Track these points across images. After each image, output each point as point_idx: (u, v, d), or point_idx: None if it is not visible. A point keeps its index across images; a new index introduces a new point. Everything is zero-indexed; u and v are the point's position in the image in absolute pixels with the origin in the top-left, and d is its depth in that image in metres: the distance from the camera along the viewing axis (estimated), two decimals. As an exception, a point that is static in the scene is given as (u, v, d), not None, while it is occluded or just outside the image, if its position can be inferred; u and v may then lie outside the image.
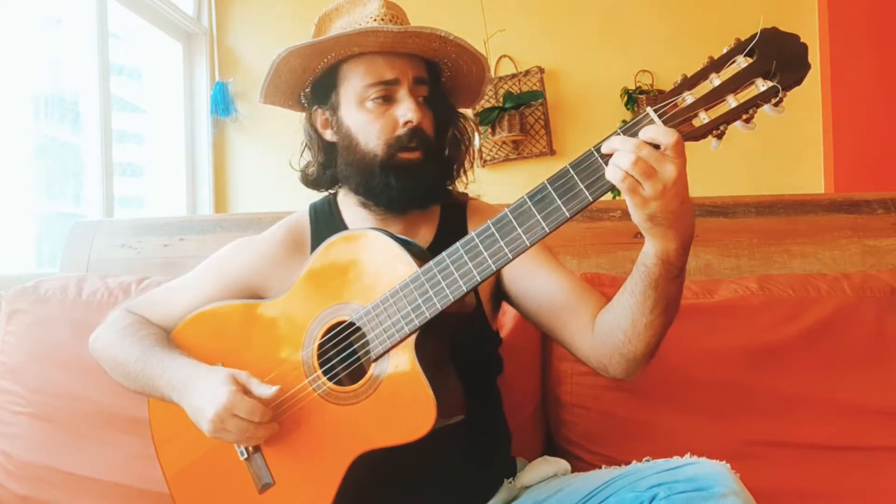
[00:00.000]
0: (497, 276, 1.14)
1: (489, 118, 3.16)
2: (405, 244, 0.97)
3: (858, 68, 2.98)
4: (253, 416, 0.95)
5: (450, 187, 1.19)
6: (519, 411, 1.31)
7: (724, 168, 3.08)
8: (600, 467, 1.11)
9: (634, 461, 0.98)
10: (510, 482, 1.11)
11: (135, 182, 3.05)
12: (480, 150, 3.25)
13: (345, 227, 1.16)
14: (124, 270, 1.61)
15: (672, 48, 3.18)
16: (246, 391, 0.97)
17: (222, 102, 3.24)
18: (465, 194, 1.22)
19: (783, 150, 3.09)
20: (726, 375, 1.36)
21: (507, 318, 1.38)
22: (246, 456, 1.03)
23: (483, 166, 3.26)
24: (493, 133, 3.20)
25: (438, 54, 1.10)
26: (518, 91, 3.24)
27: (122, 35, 2.89)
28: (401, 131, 1.07)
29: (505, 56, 3.26)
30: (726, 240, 1.59)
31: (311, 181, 1.20)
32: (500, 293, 1.17)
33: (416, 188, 1.08)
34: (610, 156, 0.82)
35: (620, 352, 0.99)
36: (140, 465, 1.37)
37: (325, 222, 1.18)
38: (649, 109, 0.81)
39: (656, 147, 0.80)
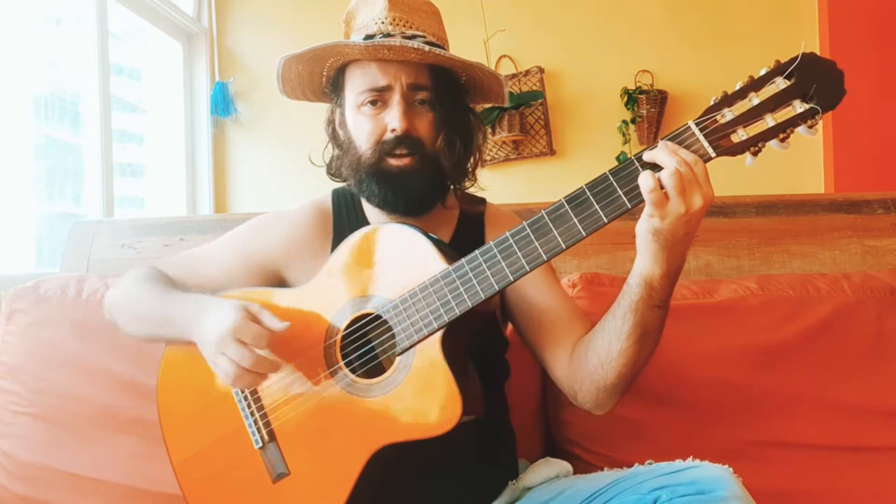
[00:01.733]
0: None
1: (489, 118, 3.16)
2: (435, 242, 0.97)
3: (858, 68, 2.98)
4: (259, 342, 0.93)
5: (461, 189, 1.18)
6: (519, 411, 1.31)
7: (724, 168, 3.08)
8: (601, 468, 1.12)
9: (637, 464, 0.98)
10: (513, 483, 1.12)
11: (135, 182, 3.05)
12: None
13: (364, 219, 1.17)
14: (124, 270, 1.59)
15: (672, 48, 3.18)
16: (255, 320, 0.95)
17: (222, 102, 3.24)
18: (483, 199, 1.22)
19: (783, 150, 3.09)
20: (726, 375, 1.36)
21: (507, 318, 1.38)
22: (261, 444, 1.03)
23: (483, 166, 3.25)
24: (493, 133, 3.20)
25: (430, 62, 1.08)
26: (518, 91, 3.24)
27: (122, 35, 2.89)
28: (388, 136, 1.07)
29: (505, 56, 3.27)
30: (726, 240, 1.59)
31: (333, 174, 1.20)
32: (502, 304, 1.17)
33: (400, 195, 1.08)
34: (650, 165, 0.84)
35: (591, 377, 0.99)
36: (141, 466, 1.37)
37: (347, 210, 1.19)
38: (691, 123, 0.85)
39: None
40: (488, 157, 3.27)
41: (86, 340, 1.44)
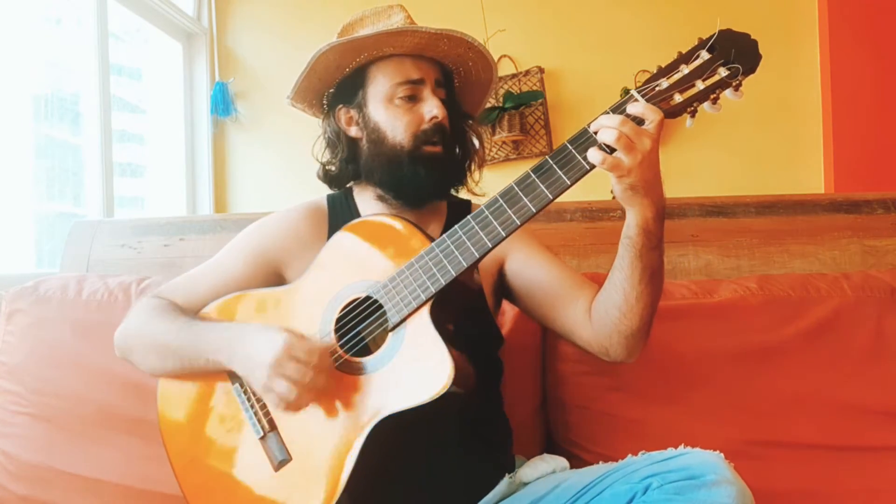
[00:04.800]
0: (499, 272, 1.21)
1: (489, 118, 3.16)
2: (415, 225, 1.04)
3: (858, 69, 2.98)
4: (312, 357, 0.97)
5: (458, 186, 1.26)
6: (519, 411, 1.31)
7: (724, 168, 3.09)
8: (599, 465, 1.12)
9: (630, 455, 0.99)
10: (510, 477, 1.13)
11: (135, 182, 3.05)
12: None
13: (359, 215, 1.22)
14: (124, 270, 1.61)
15: (672, 48, 3.17)
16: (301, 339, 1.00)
17: (222, 102, 3.24)
18: (468, 202, 1.30)
19: (783, 150, 3.09)
20: (726, 375, 1.36)
21: (506, 318, 1.39)
22: (262, 434, 1.05)
23: (483, 166, 3.26)
24: (493, 133, 3.20)
25: (458, 59, 1.20)
26: (518, 91, 3.24)
27: (122, 35, 2.89)
28: (426, 126, 1.15)
29: (505, 56, 3.26)
30: (726, 240, 1.59)
31: (331, 177, 1.26)
32: (501, 289, 1.22)
33: (440, 179, 1.18)
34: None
35: (618, 329, 1.06)
36: (140, 466, 1.37)
37: (342, 212, 1.24)
38: (633, 91, 0.97)
39: (638, 122, 0.93)
40: (488, 158, 3.27)
41: (86, 340, 1.44)
